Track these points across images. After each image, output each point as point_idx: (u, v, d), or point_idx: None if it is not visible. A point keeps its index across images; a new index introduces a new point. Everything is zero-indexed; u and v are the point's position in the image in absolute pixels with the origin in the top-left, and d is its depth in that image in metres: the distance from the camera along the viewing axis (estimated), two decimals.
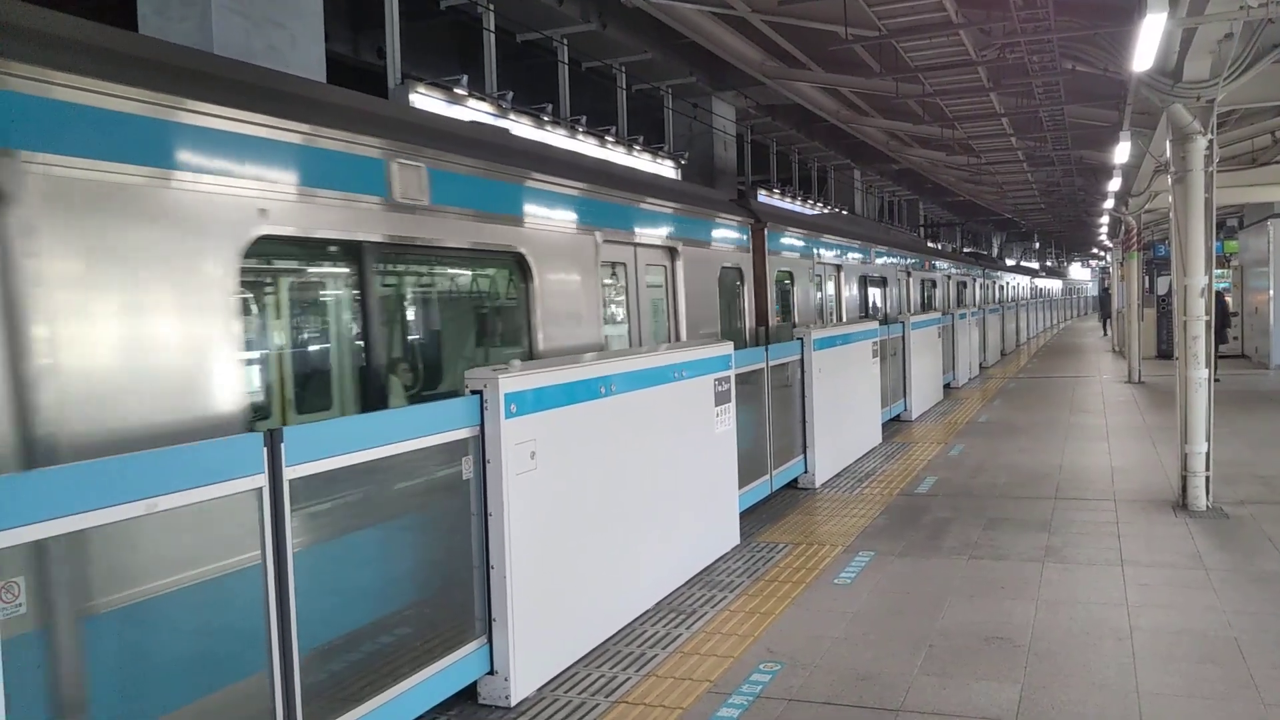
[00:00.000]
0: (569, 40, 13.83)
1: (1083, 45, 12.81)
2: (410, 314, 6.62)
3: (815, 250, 14.08)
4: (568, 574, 5.11)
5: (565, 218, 7.31)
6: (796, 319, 12.88)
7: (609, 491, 5.55)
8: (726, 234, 10.70)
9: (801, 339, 9.33)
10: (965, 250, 41.64)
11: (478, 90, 10.87)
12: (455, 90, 10.27)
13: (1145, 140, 13.22)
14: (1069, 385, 18.66)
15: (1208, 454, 7.99)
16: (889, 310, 18.31)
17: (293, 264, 5.43)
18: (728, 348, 7.21)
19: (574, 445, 5.17)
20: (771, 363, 8.61)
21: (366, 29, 12.71)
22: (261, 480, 3.45)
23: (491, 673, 4.67)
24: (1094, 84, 15.09)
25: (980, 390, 18.33)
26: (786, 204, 18.79)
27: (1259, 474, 9.33)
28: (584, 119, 13.33)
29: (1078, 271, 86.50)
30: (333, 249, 5.20)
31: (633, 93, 16.11)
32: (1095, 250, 64.85)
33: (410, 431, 4.24)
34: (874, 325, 11.93)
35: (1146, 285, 24.54)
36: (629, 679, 4.93)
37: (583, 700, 4.70)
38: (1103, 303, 42.18)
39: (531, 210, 6.83)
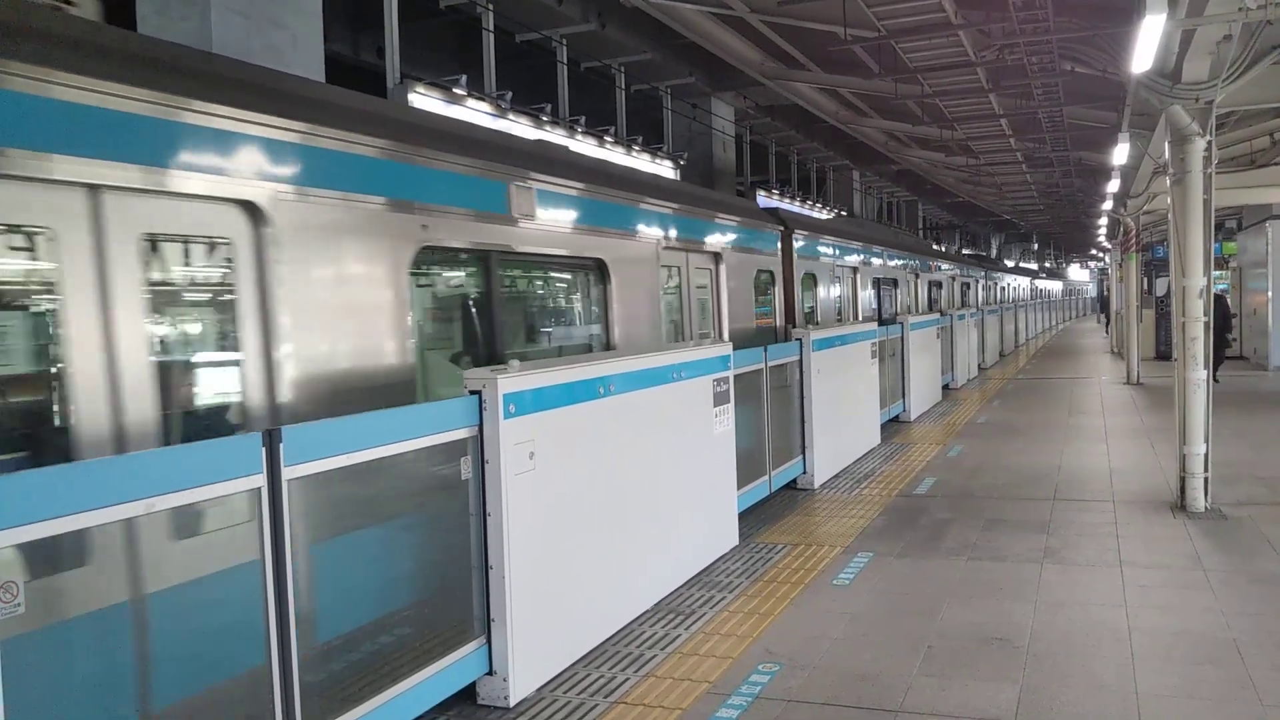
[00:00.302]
0: (568, 40, 13.83)
1: (1082, 46, 12.82)
2: (522, 308, 7.82)
3: (835, 254, 15.15)
4: (566, 574, 5.11)
5: (634, 229, 8.60)
6: (819, 317, 14.11)
7: (608, 492, 5.55)
8: (761, 240, 11.92)
9: (800, 340, 9.33)
10: (966, 252, 42.75)
11: (477, 90, 10.87)
12: (454, 90, 10.28)
13: (1144, 141, 13.23)
14: (1067, 386, 18.67)
15: (1206, 455, 7.99)
16: (898, 309, 19.18)
17: (442, 268, 6.66)
18: (726, 348, 7.21)
19: (573, 446, 5.17)
20: (770, 363, 8.61)
21: (366, 28, 12.70)
22: (260, 480, 3.45)
23: (490, 673, 4.67)
24: (1093, 85, 15.10)
25: (979, 391, 18.33)
26: (807, 210, 19.12)
27: (1258, 475, 9.33)
28: (583, 119, 13.32)
29: (1076, 273, 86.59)
30: (465, 256, 6.57)
31: (632, 93, 16.11)
32: (1094, 251, 64.88)
33: (409, 432, 4.24)
34: (872, 326, 11.93)
35: (1145, 286, 24.55)
36: (628, 679, 4.93)
37: (582, 701, 4.70)
38: (1104, 304, 44.42)
39: (609, 223, 8.09)
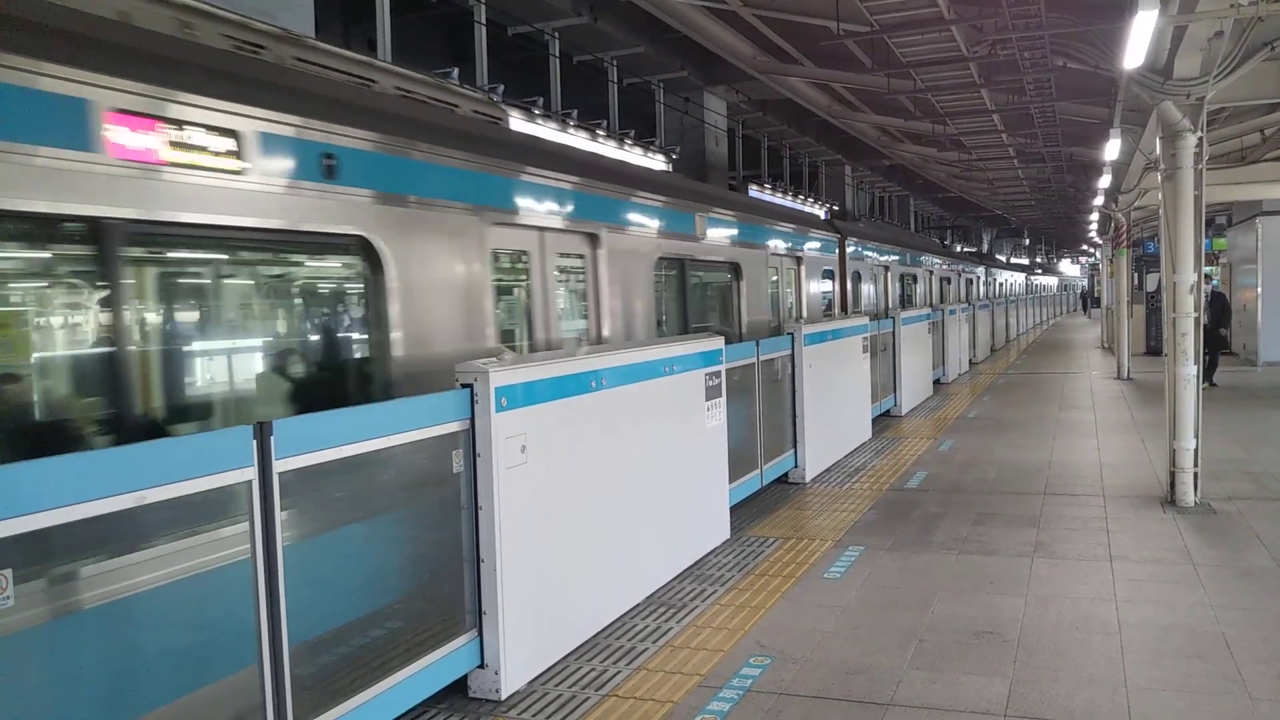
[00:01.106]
0: (560, 33, 13.82)
1: (1074, 42, 12.85)
2: (702, 295, 11.55)
3: (875, 255, 18.82)
4: (558, 568, 5.11)
5: (755, 239, 12.08)
6: (863, 305, 17.64)
7: (599, 485, 5.55)
8: (827, 246, 15.64)
9: (792, 334, 9.33)
10: (970, 251, 46.03)
11: (468, 83, 10.84)
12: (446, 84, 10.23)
13: (1135, 137, 13.27)
14: (1058, 381, 18.72)
15: (1196, 450, 8.02)
16: (919, 300, 23.23)
17: (665, 271, 9.85)
18: (718, 342, 7.22)
19: (564, 439, 5.17)
20: (762, 357, 8.62)
21: (357, 21, 12.66)
22: (251, 473, 3.44)
23: (482, 666, 4.66)
24: (1085, 81, 15.14)
25: (970, 386, 18.37)
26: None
27: (1247, 470, 9.37)
28: (575, 113, 13.31)
29: (1068, 268, 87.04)
30: (674, 265, 10.02)
31: (624, 86, 16.08)
32: (1085, 247, 65.09)
33: (401, 425, 4.23)
34: (864, 320, 11.96)
35: (1136, 282, 24.62)
36: (619, 672, 4.93)
37: (573, 694, 4.70)
38: (1084, 299, 55.21)
39: (741, 236, 11.55)
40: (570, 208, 7.68)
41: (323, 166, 5.18)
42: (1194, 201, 7.91)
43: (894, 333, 14.14)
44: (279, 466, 3.52)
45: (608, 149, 13.20)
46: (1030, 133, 20.21)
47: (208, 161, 4.55)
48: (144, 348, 4.54)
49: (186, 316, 5.19)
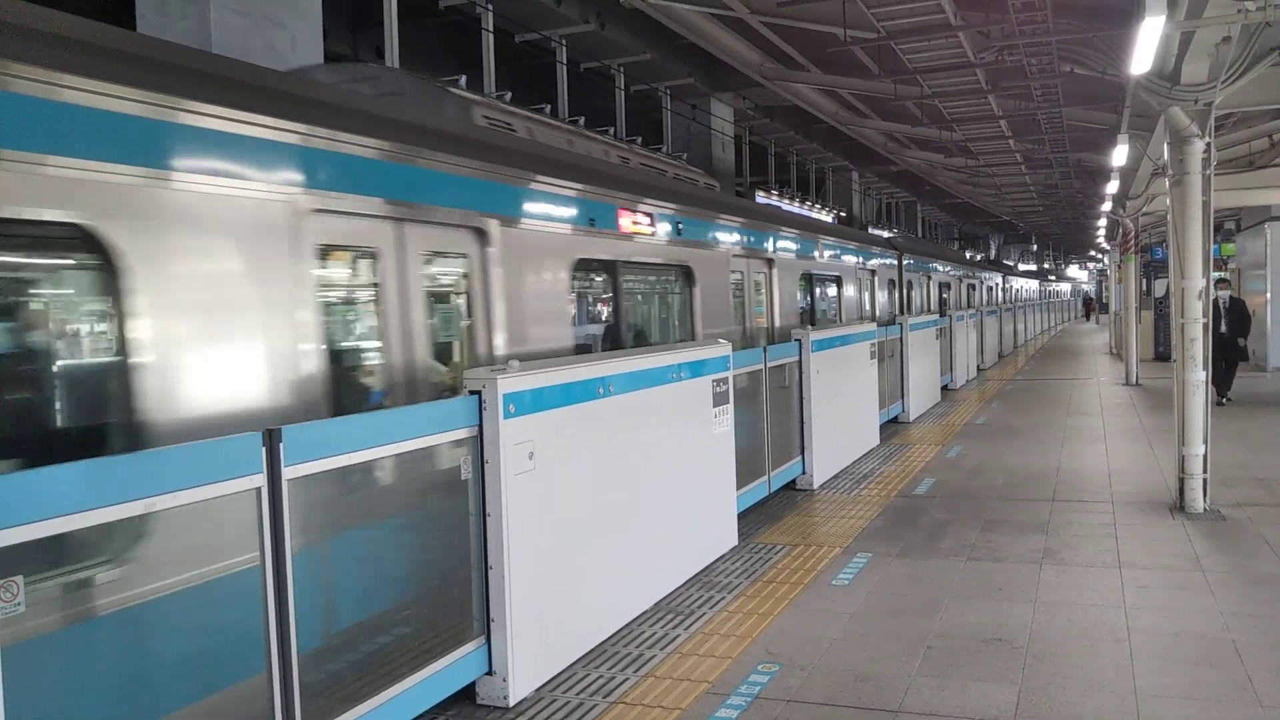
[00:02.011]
0: (567, 41, 13.84)
1: (1081, 48, 12.84)
2: (824, 297, 14.60)
3: (923, 267, 22.20)
4: (566, 574, 5.11)
5: (851, 259, 15.68)
6: (914, 308, 20.85)
7: (607, 492, 5.55)
8: (888, 260, 18.73)
9: (800, 340, 9.33)
10: (992, 260, 49.73)
11: (476, 90, 10.86)
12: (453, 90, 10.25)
13: (1143, 143, 13.25)
14: (1066, 387, 18.68)
15: (1205, 456, 7.99)
16: (952, 304, 25.80)
17: (816, 283, 13.67)
18: (726, 348, 7.21)
19: (572, 446, 5.17)
20: (770, 364, 8.62)
21: (365, 28, 12.70)
22: (260, 480, 3.45)
23: (490, 673, 4.66)
24: (1092, 86, 15.11)
25: (978, 392, 18.34)
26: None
27: (1256, 476, 9.34)
28: (582, 119, 13.32)
29: (1076, 273, 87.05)
30: (818, 279, 13.48)
31: (631, 93, 16.11)
32: (1093, 252, 64.97)
33: (409, 431, 4.24)
34: (872, 327, 11.95)
35: (1144, 288, 24.56)
36: (627, 679, 4.93)
37: (581, 701, 4.70)
38: (1087, 304, 60.21)
39: (841, 254, 15.01)
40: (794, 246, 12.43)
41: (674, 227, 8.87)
42: (1202, 207, 7.90)
43: (902, 339, 14.13)
44: (288, 474, 3.53)
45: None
46: (1038, 138, 20.19)
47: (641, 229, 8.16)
48: None
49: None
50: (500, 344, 6.10)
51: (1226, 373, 14.95)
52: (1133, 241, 20.79)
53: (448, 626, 4.56)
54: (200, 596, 3.47)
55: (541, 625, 4.88)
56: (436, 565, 4.70)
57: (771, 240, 11.63)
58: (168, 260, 3.89)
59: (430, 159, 5.53)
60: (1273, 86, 9.58)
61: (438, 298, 5.83)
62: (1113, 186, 18.77)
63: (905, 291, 19.75)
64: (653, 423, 6.11)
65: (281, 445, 3.50)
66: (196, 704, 3.44)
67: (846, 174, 28.17)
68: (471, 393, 4.58)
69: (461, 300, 5.98)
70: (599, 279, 8.02)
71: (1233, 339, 15.11)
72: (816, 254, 13.54)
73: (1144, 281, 24.77)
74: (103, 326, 3.93)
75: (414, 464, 4.44)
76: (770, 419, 8.66)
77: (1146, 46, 7.02)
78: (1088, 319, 60.38)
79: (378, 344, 5.21)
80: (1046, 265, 71.51)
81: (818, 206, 23.61)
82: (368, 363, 5.26)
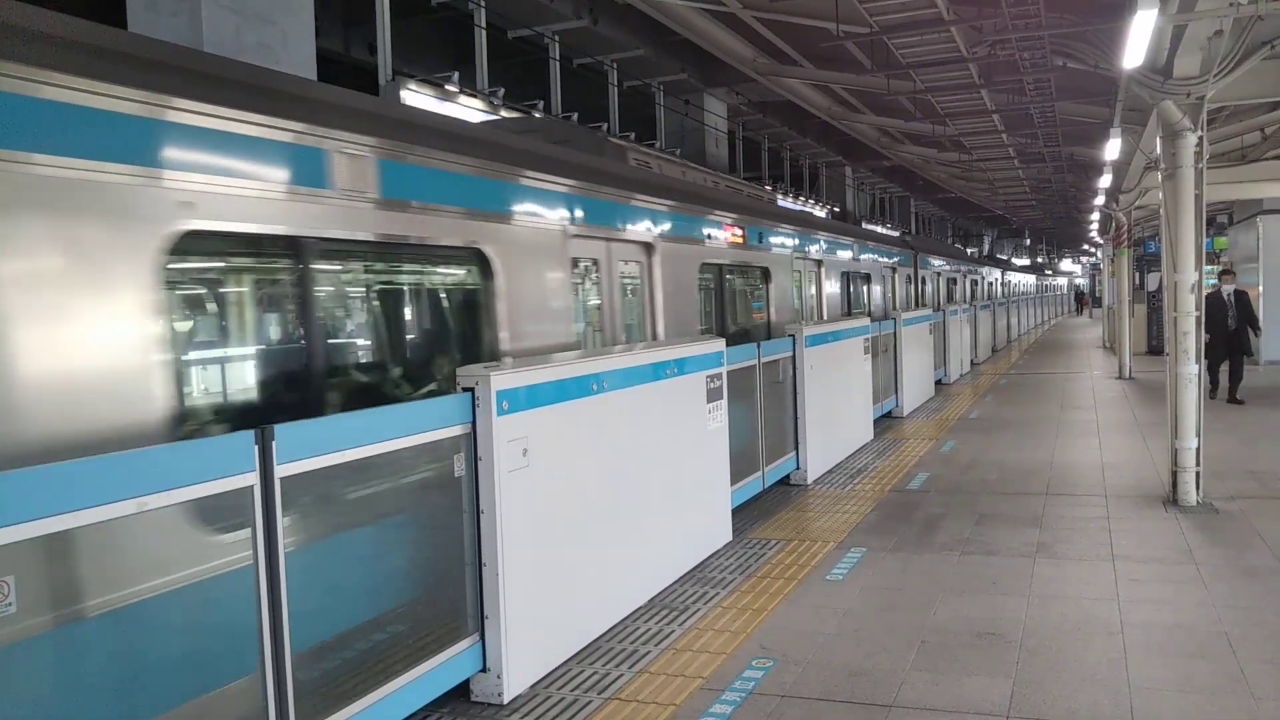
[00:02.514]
0: (560, 36, 13.82)
1: (1074, 42, 12.84)
2: (856, 290, 16.84)
3: (933, 264, 24.18)
4: (560, 571, 5.11)
5: (882, 256, 18.48)
6: (926, 300, 22.90)
7: (601, 488, 5.55)
8: (904, 259, 20.84)
9: (793, 335, 9.33)
10: (988, 255, 52.11)
11: (469, 87, 10.85)
12: (446, 87, 10.26)
13: (1136, 137, 13.26)
14: (1060, 381, 18.71)
15: (1198, 449, 8.01)
16: (958, 298, 28.15)
17: (851, 279, 16.38)
18: (719, 344, 7.21)
19: (566, 442, 5.17)
20: (763, 359, 8.62)
21: (357, 25, 12.67)
22: (253, 478, 3.44)
23: (484, 670, 4.66)
24: (1085, 81, 15.13)
25: (972, 386, 18.37)
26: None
27: (1249, 469, 9.37)
28: (575, 116, 13.31)
29: (1070, 267, 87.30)
30: (853, 276, 16.41)
31: (624, 89, 16.09)
32: (1086, 246, 65.08)
33: (403, 429, 4.23)
34: (865, 322, 11.96)
35: (1137, 281, 24.60)
36: (622, 675, 4.93)
37: (575, 697, 4.70)
38: (1079, 295, 63.75)
39: (868, 254, 17.30)
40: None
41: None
42: (1195, 200, 7.91)
43: (895, 334, 14.14)
44: (281, 471, 3.53)
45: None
46: (1030, 133, 20.21)
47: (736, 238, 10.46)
48: None
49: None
50: (660, 323, 8.57)
51: (1231, 370, 14.44)
52: (1125, 235, 20.82)
53: (442, 624, 4.56)
54: (194, 595, 3.47)
55: (536, 622, 4.88)
56: (430, 562, 4.70)
57: (820, 244, 14.03)
58: (519, 269, 6.30)
59: (625, 198, 8.01)
60: (1265, 80, 9.59)
61: (628, 291, 8.35)
62: (1105, 180, 18.79)
63: (920, 286, 22.36)
64: (647, 419, 6.11)
65: (274, 443, 3.49)
66: (190, 703, 3.43)
67: (840, 169, 28.17)
68: (465, 389, 4.57)
69: (644, 293, 8.54)
70: (713, 278, 10.25)
71: (1241, 333, 14.44)
72: (851, 254, 16.22)
73: (1137, 275, 24.82)
74: (485, 310, 6.17)
75: (408, 461, 4.44)
76: (764, 414, 8.66)
77: (1139, 40, 7.03)
78: (1079, 313, 60.88)
79: (602, 313, 8.01)
80: (1040, 260, 71.71)
81: (812, 202, 23.74)
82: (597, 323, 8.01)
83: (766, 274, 11.59)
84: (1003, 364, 23.53)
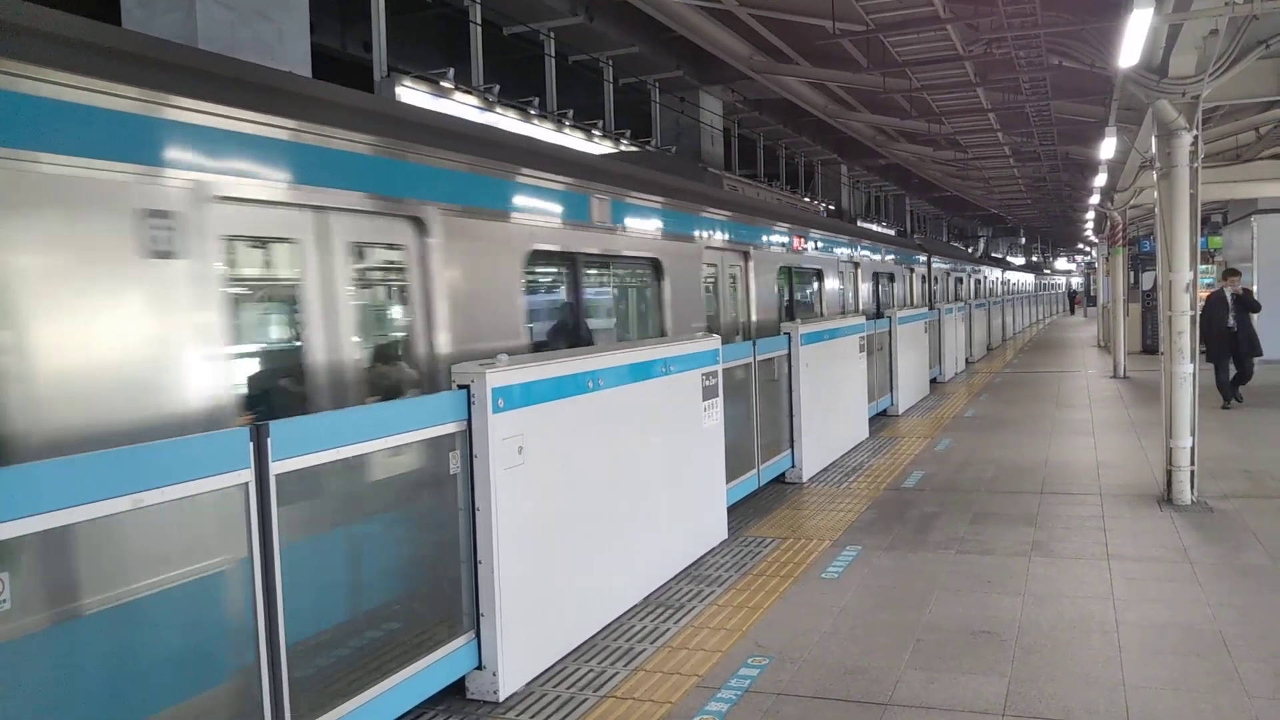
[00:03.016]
0: (556, 33, 13.79)
1: (1069, 41, 12.84)
2: (887, 288, 19.77)
3: (942, 265, 26.42)
4: (556, 569, 5.11)
5: (905, 260, 21.24)
6: (938, 298, 24.56)
7: (597, 486, 5.54)
8: (921, 260, 23.29)
9: (789, 334, 9.33)
10: (995, 257, 53.42)
11: (464, 84, 10.83)
12: (442, 84, 10.24)
13: (1131, 136, 13.27)
14: (1054, 380, 18.74)
15: (1193, 448, 8.03)
16: (965, 295, 30.40)
17: (884, 278, 19.74)
18: (715, 342, 7.21)
19: (562, 440, 5.17)
20: (759, 357, 8.62)
21: (353, 21, 12.63)
22: (248, 475, 3.43)
23: (479, 668, 4.66)
24: (1080, 79, 15.14)
25: (966, 385, 18.39)
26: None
27: (1243, 468, 9.38)
28: (570, 113, 13.29)
29: (1065, 266, 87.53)
30: (882, 273, 19.20)
31: (620, 86, 16.07)
32: (1081, 245, 65.17)
33: (398, 426, 4.23)
34: (860, 320, 11.97)
35: (1132, 280, 24.64)
36: (617, 673, 4.93)
37: (571, 695, 4.70)
38: (1072, 295, 66.00)
39: (900, 258, 20.62)
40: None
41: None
42: (1189, 200, 7.92)
43: (890, 332, 14.14)
44: (276, 469, 3.52)
45: (602, 147, 13.25)
46: (1026, 131, 20.21)
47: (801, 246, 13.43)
48: None
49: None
50: (754, 311, 11.14)
51: (1239, 370, 13.85)
52: (1120, 234, 20.85)
53: (437, 621, 4.55)
54: (189, 592, 3.46)
55: (531, 619, 4.87)
56: (426, 560, 4.69)
57: (858, 250, 17.01)
58: (674, 273, 8.86)
59: (732, 218, 10.59)
60: (1260, 79, 9.61)
61: (734, 287, 10.93)
62: (1101, 179, 18.81)
63: (932, 285, 24.71)
64: (642, 416, 6.10)
65: (269, 440, 3.48)
66: (187, 701, 3.42)
67: (835, 167, 28.16)
68: (460, 387, 4.56)
69: (740, 290, 11.06)
70: (786, 278, 13.15)
71: (1245, 332, 13.74)
72: (880, 257, 18.88)
73: (1132, 274, 24.85)
74: (655, 302, 8.84)
75: (403, 458, 4.43)
76: (760, 412, 8.66)
77: (1134, 39, 7.03)
78: (1072, 313, 61.09)
79: (720, 303, 10.48)
80: (1036, 259, 71.94)
81: (808, 199, 23.80)
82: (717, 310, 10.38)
83: (820, 274, 14.52)
84: (998, 362, 23.56)
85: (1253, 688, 4.50)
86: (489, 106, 10.93)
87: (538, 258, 6.86)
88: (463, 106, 10.23)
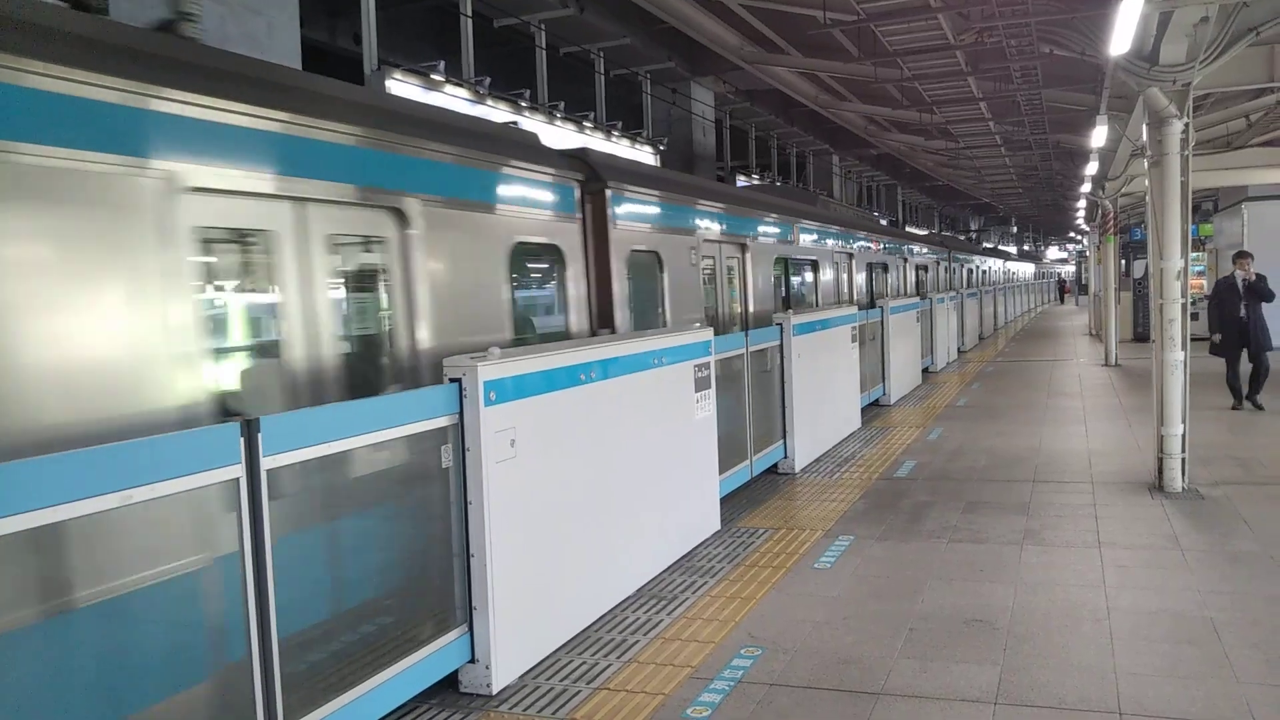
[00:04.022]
0: (546, 25, 13.74)
1: (1060, 29, 12.84)
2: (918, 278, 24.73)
3: (960, 257, 32.43)
4: (548, 561, 5.11)
5: (930, 251, 26.64)
6: (954, 286, 28.08)
7: (589, 478, 5.54)
8: (942, 254, 28.08)
9: (781, 324, 9.34)
10: (999, 248, 57.20)
11: (455, 76, 10.80)
12: (432, 76, 10.21)
13: (1122, 124, 13.30)
14: (1046, 369, 18.78)
15: (1184, 436, 8.05)
16: (975, 283, 34.92)
17: (927, 267, 26.01)
18: (708, 334, 7.21)
19: (554, 432, 5.16)
20: (751, 348, 8.62)
21: (343, 14, 12.58)
22: (238, 471, 3.42)
23: (472, 661, 4.66)
24: (1071, 68, 15.14)
25: (959, 374, 18.42)
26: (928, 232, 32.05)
27: (1234, 455, 9.42)
28: (562, 105, 13.27)
29: (1057, 254, 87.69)
30: (924, 265, 25.80)
31: (611, 78, 16.04)
32: (1072, 234, 65.26)
33: (389, 420, 4.22)
34: (853, 310, 11.97)
35: (1123, 269, 24.68)
36: (610, 665, 4.94)
37: (564, 687, 4.70)
38: (1062, 283, 68.03)
39: (928, 254, 26.18)
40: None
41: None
42: (1181, 188, 7.93)
43: (882, 322, 14.16)
44: (266, 464, 3.51)
45: (594, 140, 13.22)
46: (1017, 120, 20.22)
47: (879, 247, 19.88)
48: None
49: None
50: (855, 296, 16.04)
51: (1254, 371, 12.37)
52: (1112, 222, 20.88)
53: (430, 615, 4.55)
54: (179, 588, 3.45)
55: (524, 612, 4.87)
56: (418, 554, 4.69)
57: (908, 248, 23.04)
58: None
59: (846, 232, 16.02)
60: (1250, 67, 9.63)
61: (841, 278, 15.93)
62: (1092, 168, 18.84)
63: (950, 275, 29.39)
64: (634, 408, 6.10)
65: (260, 435, 3.47)
66: (177, 695, 3.42)
67: (827, 158, 28.16)
68: (452, 380, 4.56)
69: (843, 278, 16.06)
70: (871, 270, 18.73)
71: (1256, 324, 12.30)
72: (915, 250, 24.11)
73: (1123, 262, 24.90)
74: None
75: (395, 452, 4.42)
76: (752, 403, 8.67)
77: (1125, 27, 7.03)
78: (1062, 302, 61.36)
79: (839, 289, 15.83)
80: (1028, 248, 72.24)
81: (800, 189, 23.96)
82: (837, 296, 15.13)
83: (886, 267, 20.32)
84: (989, 351, 23.61)
85: (1243, 674, 4.52)
86: (480, 99, 10.90)
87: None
88: (453, 99, 10.20)
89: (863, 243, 17.71)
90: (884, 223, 30.93)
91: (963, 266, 33.04)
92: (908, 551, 6.69)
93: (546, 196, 7.14)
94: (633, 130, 15.76)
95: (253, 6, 7.87)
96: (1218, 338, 12.53)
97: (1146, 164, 8.35)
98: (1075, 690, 4.43)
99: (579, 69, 15.60)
